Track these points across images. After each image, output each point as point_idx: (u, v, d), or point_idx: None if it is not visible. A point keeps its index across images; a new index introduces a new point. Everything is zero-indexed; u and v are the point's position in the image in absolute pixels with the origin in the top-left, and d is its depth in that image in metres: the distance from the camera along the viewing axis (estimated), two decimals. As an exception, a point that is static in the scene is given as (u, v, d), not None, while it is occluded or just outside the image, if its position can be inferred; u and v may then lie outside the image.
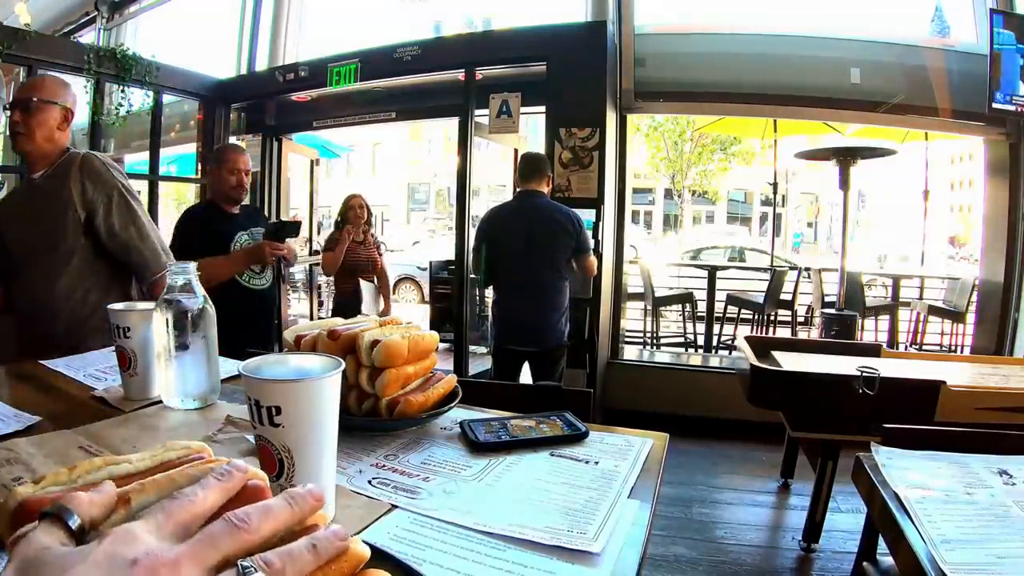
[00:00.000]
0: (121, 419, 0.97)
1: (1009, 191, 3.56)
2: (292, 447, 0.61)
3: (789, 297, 5.12)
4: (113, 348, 1.06)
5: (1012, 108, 3.30)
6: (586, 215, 3.26)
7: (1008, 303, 3.53)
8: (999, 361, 2.57)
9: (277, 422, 0.60)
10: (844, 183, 3.47)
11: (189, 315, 0.99)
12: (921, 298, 5.68)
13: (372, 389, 0.92)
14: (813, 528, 2.21)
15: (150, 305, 1.03)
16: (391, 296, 4.35)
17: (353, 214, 3.99)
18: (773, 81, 3.76)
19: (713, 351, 4.98)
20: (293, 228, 2.38)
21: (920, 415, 1.81)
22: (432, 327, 2.67)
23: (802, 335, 5.21)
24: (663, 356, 4.63)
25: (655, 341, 5.10)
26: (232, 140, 5.14)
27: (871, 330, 5.17)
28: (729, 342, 5.00)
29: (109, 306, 1.05)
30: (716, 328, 5.00)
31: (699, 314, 5.13)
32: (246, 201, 2.52)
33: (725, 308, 5.11)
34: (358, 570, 0.33)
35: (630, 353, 4.16)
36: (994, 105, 3.29)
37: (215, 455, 0.52)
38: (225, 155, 2.38)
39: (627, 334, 4.66)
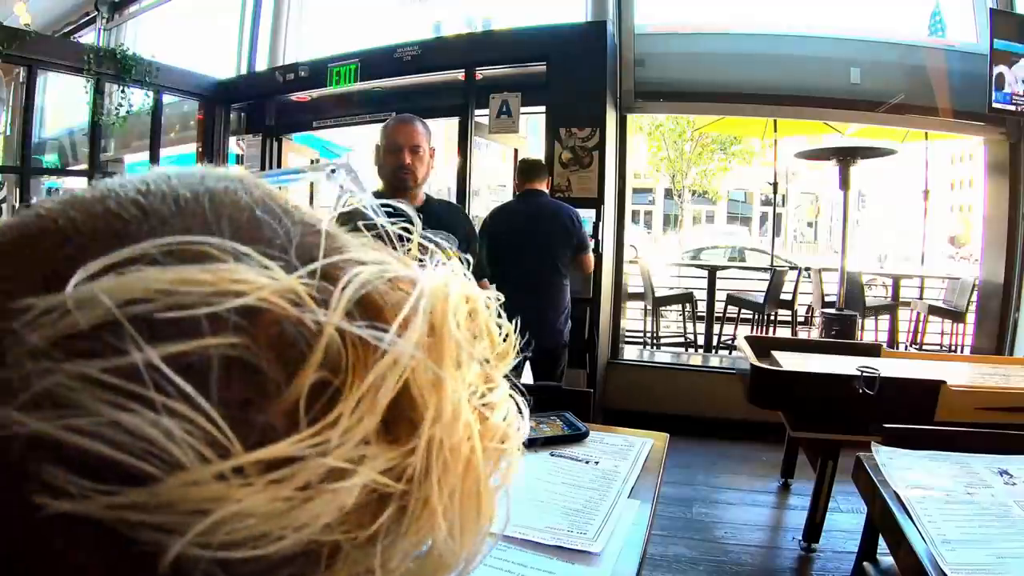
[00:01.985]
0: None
1: (1009, 191, 3.55)
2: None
3: (789, 297, 5.12)
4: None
5: (1012, 108, 3.30)
6: (586, 215, 3.27)
7: (1008, 303, 3.53)
8: (999, 361, 2.57)
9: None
10: (844, 183, 3.47)
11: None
12: (921, 298, 5.67)
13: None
14: (813, 528, 2.21)
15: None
16: None
17: None
18: (773, 81, 3.76)
19: (713, 351, 4.98)
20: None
21: (920, 415, 1.81)
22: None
23: (802, 335, 5.20)
24: (663, 356, 4.63)
25: (655, 341, 5.09)
26: (234, 139, 5.14)
27: (871, 330, 5.16)
28: (729, 342, 5.00)
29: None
30: (716, 328, 4.99)
31: (699, 314, 5.13)
32: (430, 191, 1.91)
33: (725, 308, 5.10)
34: None
35: (630, 353, 4.16)
36: (994, 105, 3.29)
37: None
38: (384, 128, 1.86)
39: (627, 334, 4.65)
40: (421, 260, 0.23)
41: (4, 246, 0.18)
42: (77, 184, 4.76)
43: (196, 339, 0.15)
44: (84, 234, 0.18)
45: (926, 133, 5.09)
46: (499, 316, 0.24)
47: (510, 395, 0.23)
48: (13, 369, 0.15)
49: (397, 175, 1.77)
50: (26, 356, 0.15)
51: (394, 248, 0.24)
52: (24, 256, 0.18)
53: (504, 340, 0.24)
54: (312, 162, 5.91)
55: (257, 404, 0.16)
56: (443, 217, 1.84)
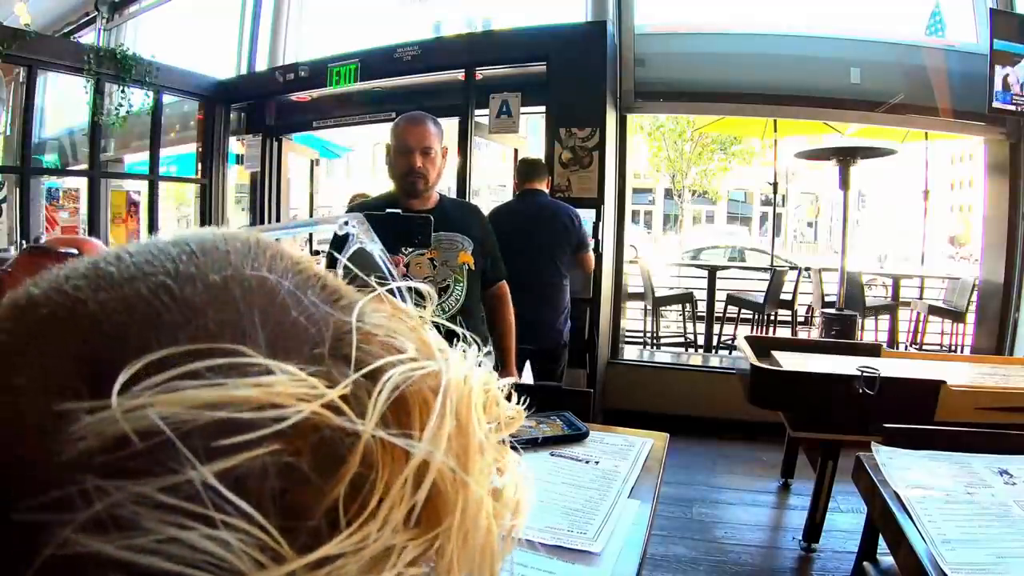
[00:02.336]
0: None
1: (1009, 191, 3.55)
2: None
3: (789, 297, 5.12)
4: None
5: (1012, 108, 3.30)
6: (586, 215, 3.27)
7: (1008, 303, 3.53)
8: (999, 361, 2.57)
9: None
10: (844, 183, 3.46)
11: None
12: (921, 298, 5.67)
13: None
14: (813, 528, 2.21)
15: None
16: None
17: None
18: (773, 81, 3.76)
19: (713, 351, 4.98)
20: (411, 229, 1.48)
21: (920, 415, 1.81)
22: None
23: (802, 335, 5.20)
24: (663, 356, 4.63)
25: (655, 341, 5.09)
26: (234, 139, 5.14)
27: (871, 330, 5.16)
28: (729, 342, 5.00)
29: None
30: (716, 328, 4.99)
31: (699, 314, 5.13)
32: (444, 191, 1.81)
33: (725, 308, 5.10)
34: None
35: (630, 353, 4.16)
36: (994, 105, 3.29)
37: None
38: (395, 128, 1.75)
39: (627, 334, 4.65)
40: (444, 341, 0.24)
41: (34, 327, 0.19)
42: (77, 184, 4.76)
43: (244, 452, 0.16)
44: (118, 324, 0.18)
45: (926, 133, 5.09)
46: (507, 399, 0.26)
47: (517, 466, 0.25)
48: (69, 484, 0.15)
49: (407, 179, 1.69)
50: (80, 470, 0.16)
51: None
52: (57, 340, 0.18)
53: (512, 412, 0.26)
54: (312, 161, 5.91)
55: (302, 507, 0.17)
56: (457, 217, 1.77)
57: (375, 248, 0.35)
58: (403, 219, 1.48)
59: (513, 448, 0.26)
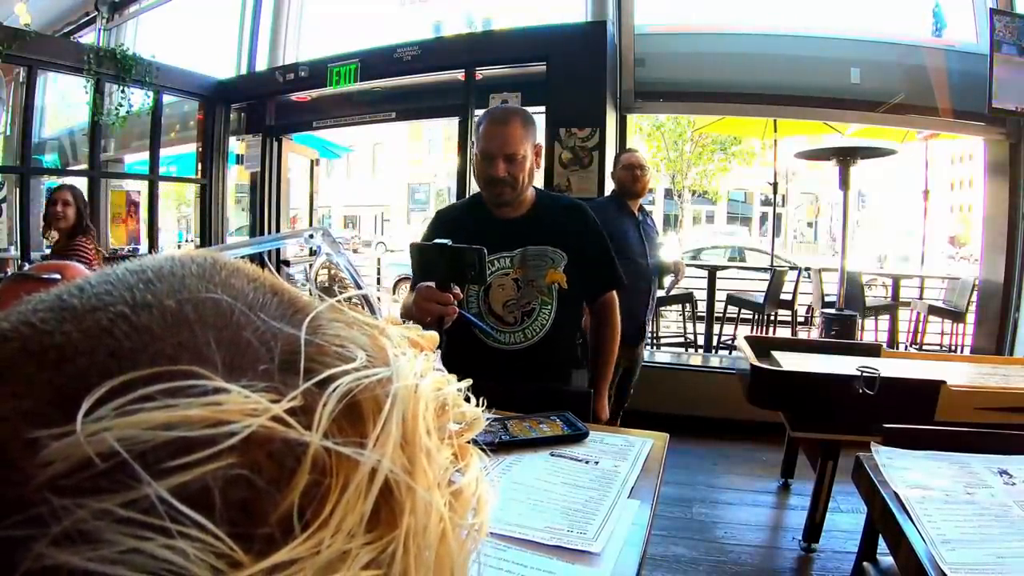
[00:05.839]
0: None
1: (1009, 191, 3.56)
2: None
3: (789, 297, 5.12)
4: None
5: (1012, 108, 3.30)
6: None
7: (1008, 303, 3.53)
8: (999, 361, 2.57)
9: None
10: (844, 183, 3.46)
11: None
12: (921, 298, 5.67)
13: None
14: (813, 528, 2.21)
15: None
16: None
17: (52, 211, 2.84)
18: (773, 81, 3.76)
19: (713, 351, 4.98)
20: (463, 263, 1.26)
21: (920, 415, 1.81)
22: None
23: (802, 335, 5.20)
24: (663, 356, 4.63)
25: (655, 341, 5.09)
26: (234, 138, 5.13)
27: (871, 330, 5.16)
28: (729, 342, 5.00)
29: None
30: (716, 328, 4.99)
31: (699, 314, 5.13)
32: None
33: (725, 308, 5.10)
34: None
35: (630, 353, 4.15)
36: (994, 105, 3.29)
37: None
38: (478, 130, 1.56)
39: (627, 334, 4.64)
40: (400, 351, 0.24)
41: (6, 359, 0.20)
42: (77, 184, 4.75)
43: (197, 468, 0.18)
44: (83, 353, 0.19)
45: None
46: (467, 399, 0.27)
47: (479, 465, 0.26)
48: (42, 504, 0.17)
49: (490, 189, 1.51)
50: (51, 491, 0.17)
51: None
52: (28, 371, 0.19)
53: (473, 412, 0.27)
54: (312, 161, 5.91)
55: (256, 515, 0.18)
56: (551, 224, 1.54)
57: (342, 260, 0.36)
58: (452, 251, 1.26)
59: (482, 444, 0.27)
